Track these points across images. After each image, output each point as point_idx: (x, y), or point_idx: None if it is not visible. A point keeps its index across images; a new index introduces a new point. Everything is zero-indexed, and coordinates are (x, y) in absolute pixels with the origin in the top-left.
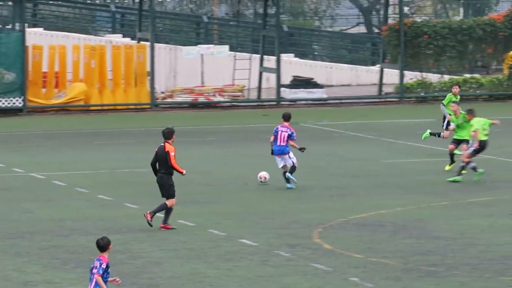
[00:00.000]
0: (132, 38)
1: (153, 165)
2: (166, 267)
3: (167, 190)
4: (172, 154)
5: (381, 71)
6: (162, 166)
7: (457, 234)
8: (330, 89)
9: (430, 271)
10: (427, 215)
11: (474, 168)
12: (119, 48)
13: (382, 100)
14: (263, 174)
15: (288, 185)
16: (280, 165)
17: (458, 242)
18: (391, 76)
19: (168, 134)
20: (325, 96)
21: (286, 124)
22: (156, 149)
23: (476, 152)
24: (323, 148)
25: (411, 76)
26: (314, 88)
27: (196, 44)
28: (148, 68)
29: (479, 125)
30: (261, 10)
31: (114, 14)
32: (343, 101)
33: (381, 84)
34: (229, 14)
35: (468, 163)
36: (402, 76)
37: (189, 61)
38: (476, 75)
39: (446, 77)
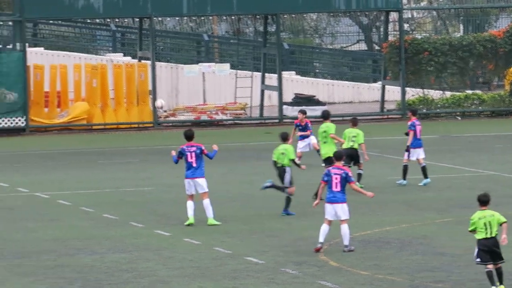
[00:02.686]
0: (133, 57)
1: None
2: (172, 286)
3: None
4: None
5: (383, 88)
6: None
7: (462, 250)
8: (332, 106)
9: (436, 287)
10: (432, 232)
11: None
12: (120, 67)
13: (384, 117)
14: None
15: None
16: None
17: (463, 258)
18: (393, 93)
19: None
20: None
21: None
22: None
23: None
24: None
25: (412, 93)
26: (316, 106)
27: (197, 62)
28: (150, 87)
29: None
30: (261, 28)
31: (114, 33)
32: (345, 118)
33: (383, 101)
34: (229, 32)
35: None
36: (404, 93)
37: (191, 79)
38: (478, 92)
39: (448, 94)
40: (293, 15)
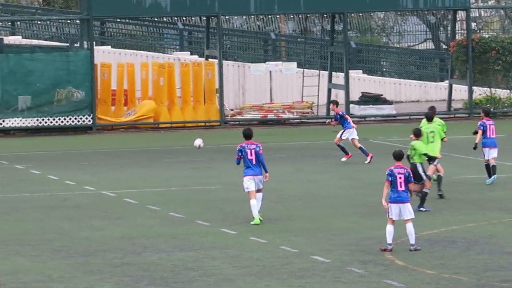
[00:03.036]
0: (200, 56)
1: None
2: (238, 284)
3: None
4: None
5: (450, 87)
6: None
7: None
8: (399, 105)
9: (503, 287)
10: (498, 231)
11: None
12: (187, 66)
13: (451, 116)
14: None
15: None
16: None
17: None
18: (460, 92)
19: None
20: (394, 112)
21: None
22: None
23: None
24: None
25: (479, 92)
26: (383, 105)
27: (264, 61)
28: (217, 85)
29: None
30: (328, 27)
31: (181, 32)
32: (412, 117)
33: (450, 100)
34: (296, 31)
35: None
36: (471, 92)
37: (258, 78)
38: None
39: None
40: (360, 14)
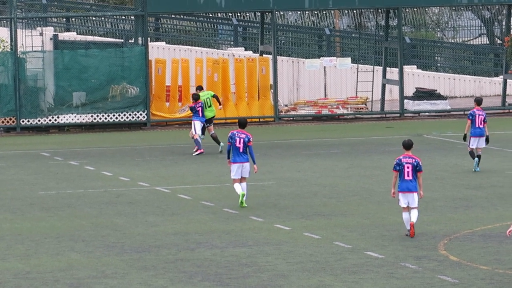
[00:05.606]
0: (255, 51)
1: None
2: (292, 280)
3: None
4: None
5: (504, 82)
6: None
7: None
8: (454, 100)
9: None
10: None
11: None
12: (241, 61)
13: (506, 111)
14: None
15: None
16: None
17: None
18: None
19: None
20: (448, 107)
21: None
22: None
23: None
24: (447, 160)
25: None
26: (438, 100)
27: (318, 56)
28: (271, 81)
29: None
30: (383, 22)
31: (236, 28)
32: (466, 112)
33: (504, 95)
34: (350, 26)
35: None
36: None
37: (312, 73)
38: None
39: None
40: (415, 9)
